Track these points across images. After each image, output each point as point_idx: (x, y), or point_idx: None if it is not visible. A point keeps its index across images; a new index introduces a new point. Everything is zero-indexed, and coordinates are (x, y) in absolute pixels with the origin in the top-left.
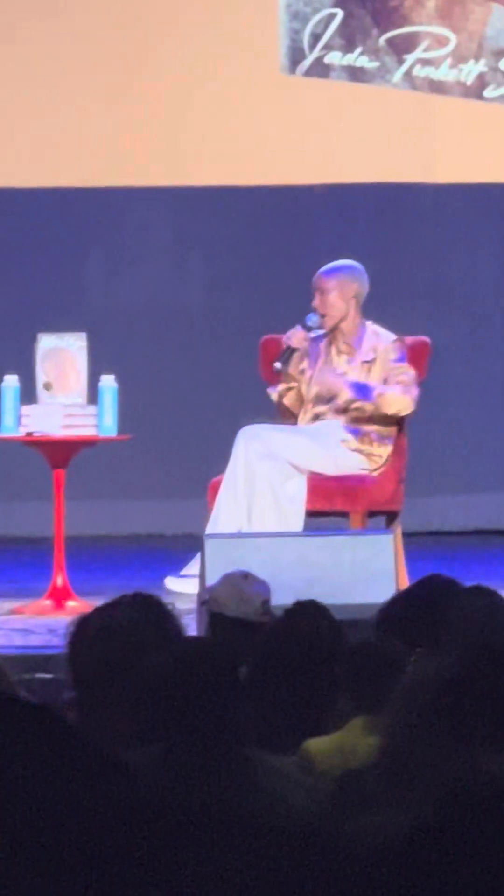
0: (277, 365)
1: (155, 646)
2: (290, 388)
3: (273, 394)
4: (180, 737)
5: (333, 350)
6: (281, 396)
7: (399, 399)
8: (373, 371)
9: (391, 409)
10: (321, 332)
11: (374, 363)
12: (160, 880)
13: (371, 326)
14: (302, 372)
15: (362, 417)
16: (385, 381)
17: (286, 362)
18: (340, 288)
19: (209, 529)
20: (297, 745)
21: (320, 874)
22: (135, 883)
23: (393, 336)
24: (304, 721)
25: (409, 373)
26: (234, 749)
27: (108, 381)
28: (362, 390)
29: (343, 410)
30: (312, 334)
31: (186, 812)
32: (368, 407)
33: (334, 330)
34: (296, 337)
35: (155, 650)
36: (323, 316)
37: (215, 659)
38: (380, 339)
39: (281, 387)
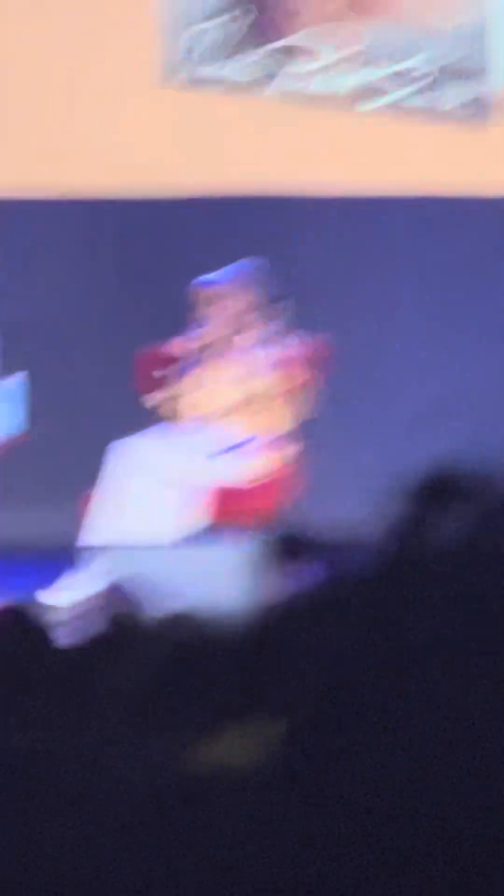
0: (160, 373)
1: (26, 659)
2: (169, 398)
3: (151, 402)
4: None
5: (210, 364)
6: (160, 405)
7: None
8: (244, 384)
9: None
10: (202, 344)
11: (246, 379)
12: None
13: (248, 338)
14: (181, 382)
15: None
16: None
17: (167, 371)
18: (231, 298)
19: (83, 542)
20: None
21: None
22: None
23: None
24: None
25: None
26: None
27: None
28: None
29: None
30: (195, 345)
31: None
32: None
33: (212, 342)
34: (179, 346)
35: (26, 664)
36: (206, 327)
37: (87, 670)
38: (256, 355)
39: (160, 396)
